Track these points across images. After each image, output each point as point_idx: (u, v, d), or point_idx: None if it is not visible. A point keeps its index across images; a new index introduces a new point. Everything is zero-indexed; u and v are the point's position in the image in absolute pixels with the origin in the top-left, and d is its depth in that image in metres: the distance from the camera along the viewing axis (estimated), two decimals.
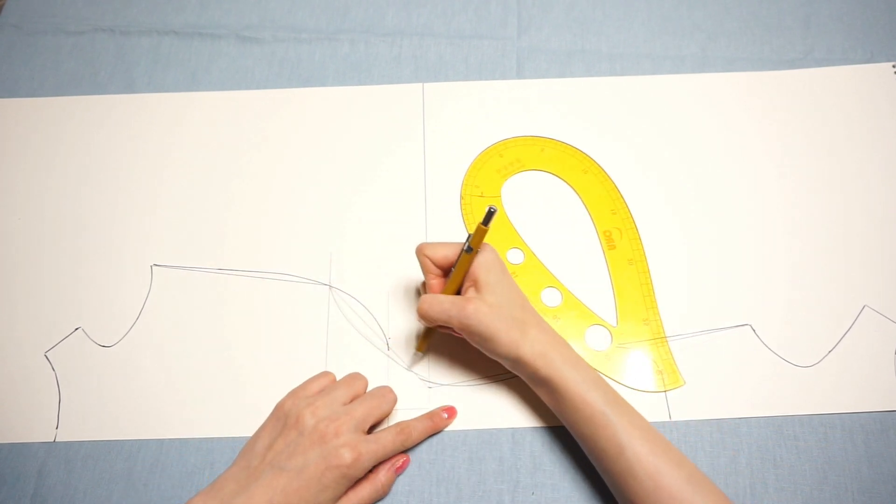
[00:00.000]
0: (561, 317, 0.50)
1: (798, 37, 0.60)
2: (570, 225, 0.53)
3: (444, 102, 0.58)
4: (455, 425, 0.47)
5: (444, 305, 0.43)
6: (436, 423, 0.46)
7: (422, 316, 0.45)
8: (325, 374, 0.47)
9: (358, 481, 0.42)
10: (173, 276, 0.52)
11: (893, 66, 0.58)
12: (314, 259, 0.52)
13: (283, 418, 0.43)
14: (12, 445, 0.47)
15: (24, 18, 0.63)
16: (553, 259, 0.52)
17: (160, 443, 0.47)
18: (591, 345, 0.49)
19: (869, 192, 0.53)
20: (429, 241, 0.52)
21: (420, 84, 0.59)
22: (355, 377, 0.46)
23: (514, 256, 0.52)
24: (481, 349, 0.44)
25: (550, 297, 0.50)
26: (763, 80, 0.58)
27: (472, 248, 0.44)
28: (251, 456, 0.42)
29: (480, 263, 0.44)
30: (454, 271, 0.45)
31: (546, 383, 0.43)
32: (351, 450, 0.40)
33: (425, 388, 0.48)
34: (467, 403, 0.47)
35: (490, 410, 0.47)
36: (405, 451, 0.45)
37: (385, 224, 0.53)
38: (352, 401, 0.44)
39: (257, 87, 0.59)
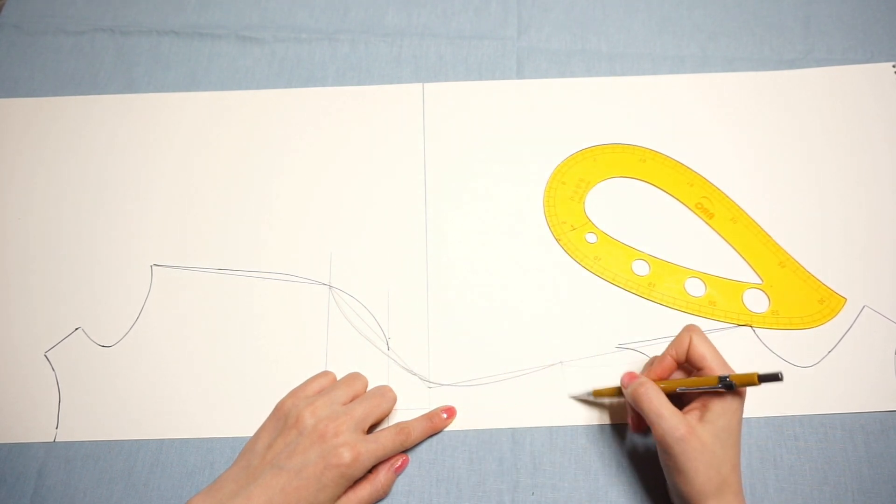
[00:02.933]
0: (716, 302, 0.49)
1: (798, 37, 0.60)
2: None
3: (444, 102, 0.58)
4: (455, 425, 0.47)
5: (660, 409, 0.39)
6: (435, 424, 0.46)
7: (633, 396, 0.41)
8: (325, 373, 0.47)
9: (357, 481, 0.42)
10: (173, 276, 0.52)
11: (893, 66, 0.58)
12: (314, 259, 0.52)
13: (283, 418, 0.43)
14: (12, 445, 0.47)
15: (24, 18, 0.63)
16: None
17: (160, 443, 0.47)
18: (751, 308, 0.49)
19: (869, 192, 0.53)
20: (430, 239, 0.52)
21: (420, 84, 0.59)
22: (355, 377, 0.46)
23: (639, 268, 0.51)
24: (663, 466, 0.41)
25: (695, 288, 0.50)
26: (763, 80, 0.58)
27: (733, 385, 0.39)
28: (251, 456, 0.42)
29: (728, 406, 0.39)
30: (689, 381, 0.41)
31: None
32: (350, 449, 0.40)
33: (425, 388, 0.48)
34: (467, 403, 0.47)
35: (490, 410, 0.47)
36: (405, 451, 0.45)
37: (385, 224, 0.53)
38: (352, 400, 0.44)
39: (257, 87, 0.59)
